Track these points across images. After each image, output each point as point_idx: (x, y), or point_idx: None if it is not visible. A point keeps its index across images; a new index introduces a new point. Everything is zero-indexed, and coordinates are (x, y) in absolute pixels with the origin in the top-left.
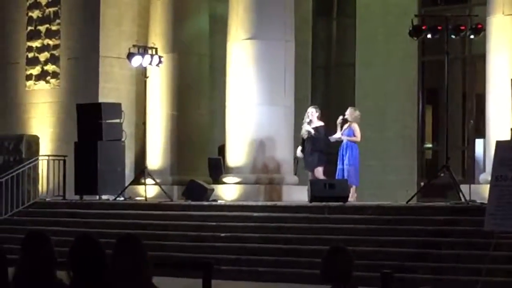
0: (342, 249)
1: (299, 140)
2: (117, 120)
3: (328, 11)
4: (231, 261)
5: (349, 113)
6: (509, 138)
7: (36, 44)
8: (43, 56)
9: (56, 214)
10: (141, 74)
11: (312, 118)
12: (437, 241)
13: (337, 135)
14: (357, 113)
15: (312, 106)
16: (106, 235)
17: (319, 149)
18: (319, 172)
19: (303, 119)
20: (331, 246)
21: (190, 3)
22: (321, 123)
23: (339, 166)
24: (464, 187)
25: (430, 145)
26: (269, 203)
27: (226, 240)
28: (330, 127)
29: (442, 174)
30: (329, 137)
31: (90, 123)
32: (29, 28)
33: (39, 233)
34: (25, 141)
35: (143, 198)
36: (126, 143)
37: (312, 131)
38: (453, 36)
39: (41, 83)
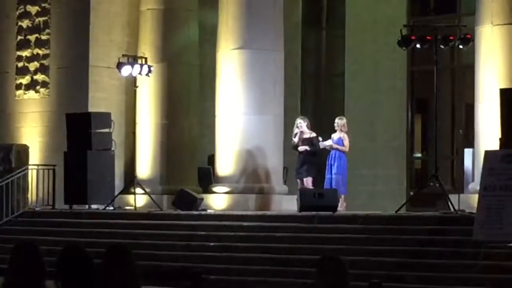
0: (335, 259)
1: (288, 149)
2: (107, 130)
3: (318, 21)
4: (220, 270)
5: (337, 123)
6: (498, 148)
7: (25, 53)
8: (32, 66)
9: (45, 224)
10: (131, 84)
11: (303, 129)
12: (426, 251)
13: (328, 142)
14: (344, 121)
15: (299, 117)
16: (95, 245)
17: (311, 160)
18: (308, 182)
19: (295, 128)
20: (323, 256)
21: (180, 13)
22: (313, 134)
23: (327, 176)
24: (453, 197)
25: (419, 155)
26: (258, 213)
27: (215, 250)
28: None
29: (431, 184)
30: (319, 143)
31: (79, 133)
32: (19, 37)
33: (28, 243)
34: (14, 150)
35: (133, 208)
36: (116, 153)
37: (308, 148)
38: (442, 46)
39: (31, 92)
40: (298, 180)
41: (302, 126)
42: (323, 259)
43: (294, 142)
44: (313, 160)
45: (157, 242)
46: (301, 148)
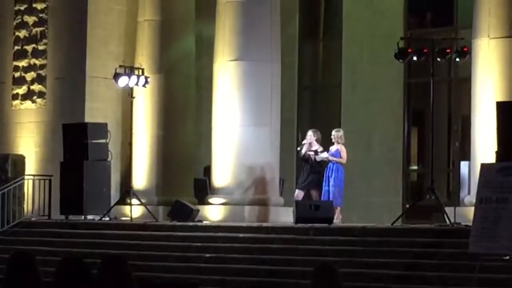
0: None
1: (285, 161)
2: (103, 140)
3: (314, 33)
4: (216, 282)
5: (334, 135)
6: (494, 161)
7: (22, 63)
8: (29, 76)
9: (41, 234)
10: (128, 95)
11: (312, 141)
12: (422, 263)
13: (325, 154)
14: (341, 133)
15: (311, 130)
16: (91, 255)
17: (317, 172)
18: (316, 195)
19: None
20: (321, 264)
21: (177, 24)
22: (319, 147)
23: (324, 188)
24: (449, 209)
25: (415, 167)
26: (254, 224)
27: (211, 261)
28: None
29: (427, 196)
30: (316, 156)
31: (76, 143)
32: (16, 47)
33: (24, 253)
34: (10, 160)
35: (129, 219)
36: (112, 163)
37: (313, 157)
38: (438, 59)
39: (27, 102)
40: (299, 191)
41: (311, 138)
42: (317, 268)
43: (301, 153)
44: (317, 170)
45: (153, 253)
46: (303, 153)
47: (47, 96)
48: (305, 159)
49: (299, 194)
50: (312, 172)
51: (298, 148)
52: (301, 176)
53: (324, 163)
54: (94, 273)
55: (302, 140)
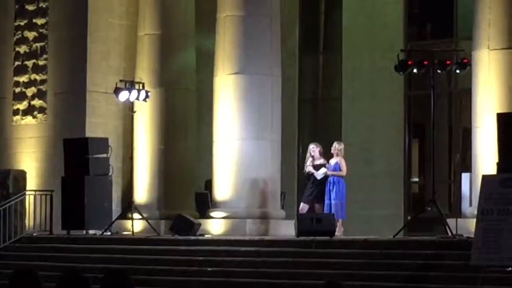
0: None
1: (286, 174)
2: (104, 155)
3: (315, 46)
4: None
5: (334, 147)
6: (495, 173)
7: (23, 79)
8: (30, 91)
9: (43, 249)
10: (128, 109)
11: (314, 155)
12: (424, 275)
13: (322, 171)
14: (342, 146)
15: (313, 143)
16: (93, 270)
17: (321, 184)
18: (319, 208)
19: (308, 155)
20: (327, 281)
21: (177, 38)
22: (323, 161)
23: (326, 201)
24: (450, 221)
25: (416, 179)
26: (256, 238)
27: (213, 275)
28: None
29: (428, 208)
30: (315, 174)
31: (77, 158)
32: (16, 63)
33: (27, 269)
34: (12, 176)
35: (130, 233)
36: (113, 178)
37: (314, 171)
38: (439, 71)
39: (28, 118)
40: (304, 204)
41: (314, 152)
42: (326, 285)
43: (305, 171)
44: (321, 185)
45: (154, 267)
46: (306, 171)
47: (47, 111)
48: (308, 175)
49: (303, 207)
50: (315, 185)
51: (305, 170)
52: (306, 189)
53: (326, 176)
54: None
55: (303, 153)
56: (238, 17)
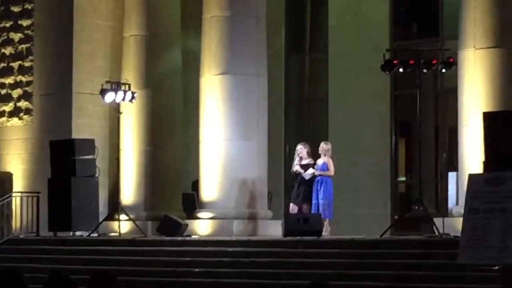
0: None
1: (272, 174)
2: (91, 156)
3: (301, 46)
4: None
5: (322, 147)
6: (482, 171)
7: (9, 80)
8: (16, 93)
9: (30, 251)
10: (115, 110)
11: (302, 155)
12: (411, 275)
13: (310, 171)
14: (329, 146)
15: (300, 143)
16: (80, 272)
17: (307, 185)
18: (306, 208)
19: (296, 156)
20: (312, 282)
21: (163, 39)
22: (311, 160)
23: (314, 201)
24: (437, 220)
25: (403, 179)
26: (243, 238)
27: (200, 276)
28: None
29: (415, 208)
30: (303, 174)
31: (63, 160)
32: (2, 64)
33: (13, 270)
34: None
35: (117, 234)
36: (100, 179)
37: (302, 171)
38: (425, 70)
39: (14, 119)
40: (293, 205)
41: (301, 152)
42: (311, 285)
43: (293, 170)
44: (308, 186)
45: (141, 269)
46: (293, 171)
47: (34, 112)
48: (296, 175)
49: (293, 208)
50: (302, 185)
51: (293, 170)
52: (294, 189)
53: (313, 176)
54: None
55: (290, 153)
56: (223, 18)
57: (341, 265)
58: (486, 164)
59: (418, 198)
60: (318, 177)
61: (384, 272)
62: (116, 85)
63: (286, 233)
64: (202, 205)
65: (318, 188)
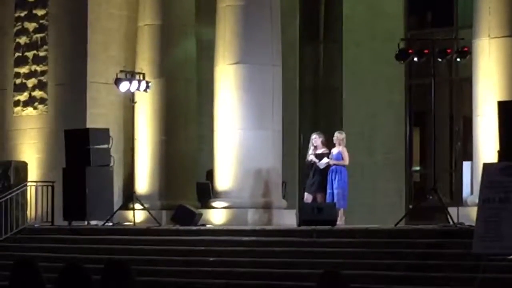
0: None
1: (287, 163)
2: (105, 146)
3: (315, 35)
4: (220, 285)
5: (336, 137)
6: (496, 161)
7: (23, 70)
8: (30, 82)
9: (44, 240)
10: (129, 100)
11: (317, 144)
12: (425, 264)
13: (325, 160)
14: (343, 136)
15: (315, 133)
16: (94, 261)
17: (322, 174)
18: (321, 198)
19: (310, 145)
20: (325, 271)
21: (177, 28)
22: (325, 150)
23: (328, 190)
24: (452, 210)
25: (418, 168)
26: (257, 227)
27: (215, 265)
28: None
29: (430, 197)
30: (318, 163)
31: (78, 149)
32: (17, 54)
33: (28, 260)
34: (13, 167)
35: (132, 223)
36: (114, 169)
37: (317, 160)
38: (439, 60)
39: (29, 109)
40: (308, 194)
41: (316, 141)
42: (324, 274)
43: (308, 159)
44: (322, 175)
45: (156, 258)
46: (308, 160)
47: (48, 102)
48: (310, 164)
49: (308, 197)
50: (317, 174)
51: (307, 159)
52: (308, 179)
53: (328, 165)
54: (97, 278)
55: (304, 143)
56: (238, 7)
57: (355, 255)
58: (500, 153)
59: (433, 187)
60: (333, 167)
61: (398, 262)
62: (131, 75)
63: (301, 222)
64: (216, 195)
65: (333, 177)
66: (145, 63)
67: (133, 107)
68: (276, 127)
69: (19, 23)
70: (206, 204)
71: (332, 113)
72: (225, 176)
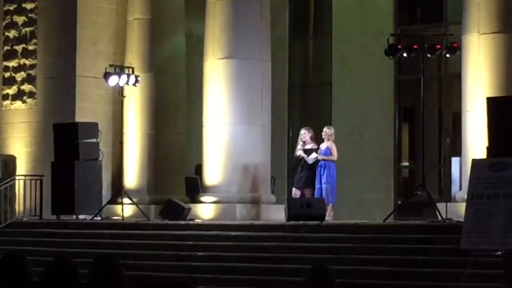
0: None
1: (276, 159)
2: (94, 140)
3: (304, 30)
4: (208, 280)
5: (325, 132)
6: (485, 157)
7: (12, 63)
8: (19, 76)
9: (33, 234)
10: (118, 94)
11: (305, 140)
12: (414, 259)
13: (314, 155)
14: (332, 131)
15: (304, 128)
16: (83, 255)
17: (310, 169)
18: (309, 193)
19: (299, 140)
20: (313, 266)
21: (167, 22)
22: (314, 145)
23: (317, 186)
24: (440, 205)
25: (406, 164)
26: (246, 222)
27: (203, 259)
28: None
29: (418, 193)
30: (306, 159)
31: (67, 143)
32: (6, 47)
33: (15, 254)
34: (1, 161)
35: (120, 218)
36: (103, 163)
37: (305, 156)
38: (429, 55)
39: (18, 102)
40: (295, 189)
41: (305, 137)
42: (312, 269)
43: (296, 154)
44: (310, 170)
45: (144, 252)
46: (296, 155)
47: (37, 96)
48: (299, 159)
49: (296, 192)
50: (305, 169)
51: (296, 154)
52: (297, 174)
53: (316, 161)
54: (85, 273)
55: (293, 138)
56: (227, 2)
57: (344, 250)
58: (489, 149)
59: (422, 183)
60: (321, 162)
61: (387, 257)
62: (120, 69)
63: (289, 217)
64: (205, 189)
65: (321, 172)
66: (134, 57)
67: (122, 101)
68: (265, 122)
69: (8, 17)
70: (194, 198)
71: (321, 109)
72: (213, 170)
